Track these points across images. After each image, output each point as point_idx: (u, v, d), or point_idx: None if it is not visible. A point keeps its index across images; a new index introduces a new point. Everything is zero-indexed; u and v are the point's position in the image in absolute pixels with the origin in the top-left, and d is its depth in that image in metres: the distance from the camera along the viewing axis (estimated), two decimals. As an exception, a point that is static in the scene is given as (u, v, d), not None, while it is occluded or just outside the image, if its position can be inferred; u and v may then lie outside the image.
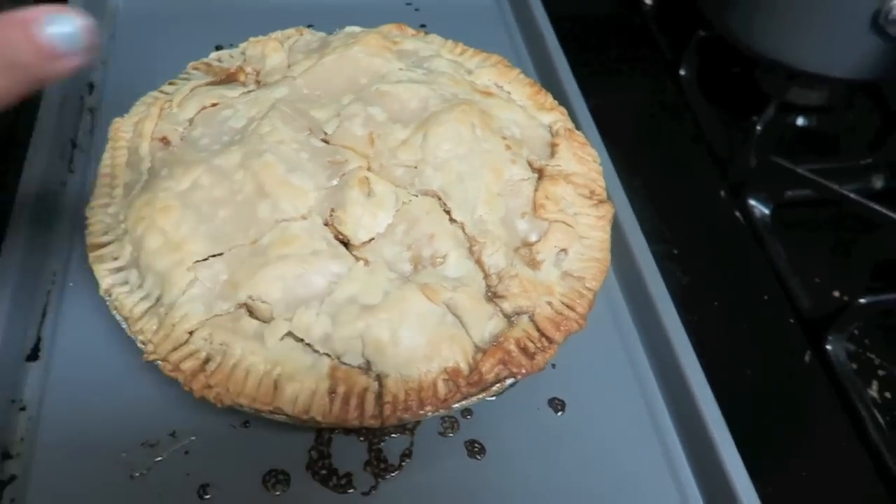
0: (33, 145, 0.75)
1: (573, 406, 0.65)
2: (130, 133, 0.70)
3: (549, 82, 0.86)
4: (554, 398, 0.66)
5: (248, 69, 0.77)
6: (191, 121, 0.70)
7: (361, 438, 0.62)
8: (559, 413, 0.65)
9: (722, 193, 0.93)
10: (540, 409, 0.65)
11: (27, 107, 0.82)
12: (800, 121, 1.04)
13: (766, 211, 0.90)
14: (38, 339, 0.66)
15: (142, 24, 0.95)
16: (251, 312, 0.59)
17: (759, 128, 0.90)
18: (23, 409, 0.61)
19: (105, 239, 0.63)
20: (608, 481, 0.62)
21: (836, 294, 0.84)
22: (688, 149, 0.99)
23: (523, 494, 0.60)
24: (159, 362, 0.57)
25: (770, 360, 0.78)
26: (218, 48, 0.89)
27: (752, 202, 0.90)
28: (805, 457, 0.71)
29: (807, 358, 0.79)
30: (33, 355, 0.65)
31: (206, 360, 0.56)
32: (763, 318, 0.81)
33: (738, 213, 0.91)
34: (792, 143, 1.00)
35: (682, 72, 1.05)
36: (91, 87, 0.87)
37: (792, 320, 0.81)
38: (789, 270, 0.85)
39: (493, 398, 0.61)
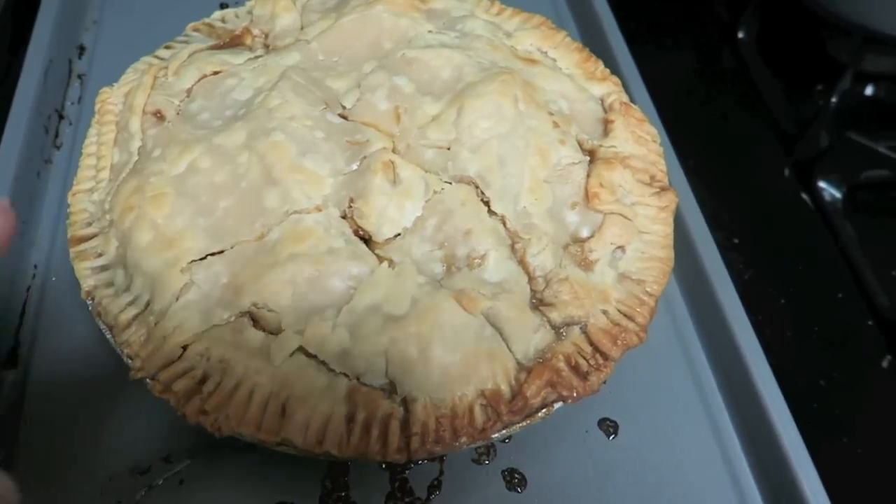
0: (13, 116, 0.66)
1: (627, 428, 0.57)
2: (120, 105, 0.61)
3: (594, 46, 0.75)
4: (605, 419, 0.57)
5: (256, 31, 0.67)
6: (188, 91, 0.61)
7: (383, 466, 0.54)
8: (611, 437, 0.56)
9: (786, 172, 0.83)
10: (589, 431, 0.56)
11: (5, 72, 0.73)
12: (869, 90, 0.92)
13: (838, 194, 0.79)
14: (16, 344, 0.58)
15: (138, -21, 0.85)
16: (255, 322, 0.50)
17: (833, 100, 0.79)
18: (-3, 425, 0.54)
19: (89, 231, 0.55)
20: (672, 519, 0.53)
21: (920, 291, 0.74)
22: (746, 123, 0.89)
23: (572, 534, 0.52)
24: (148, 381, 0.48)
25: (845, 368, 0.68)
26: (222, 6, 0.79)
27: (822, 184, 0.79)
28: (891, 477, 0.62)
29: (885, 363, 0.69)
30: (10, 362, 0.57)
31: (203, 380, 0.48)
32: (836, 319, 0.72)
33: (805, 196, 0.80)
34: (864, 117, 0.89)
35: (740, 35, 0.94)
36: (81, 49, 0.78)
37: (870, 322, 0.71)
38: (864, 262, 0.75)
39: (519, 430, 0.52)
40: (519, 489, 0.53)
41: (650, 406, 0.58)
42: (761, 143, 0.87)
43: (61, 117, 0.72)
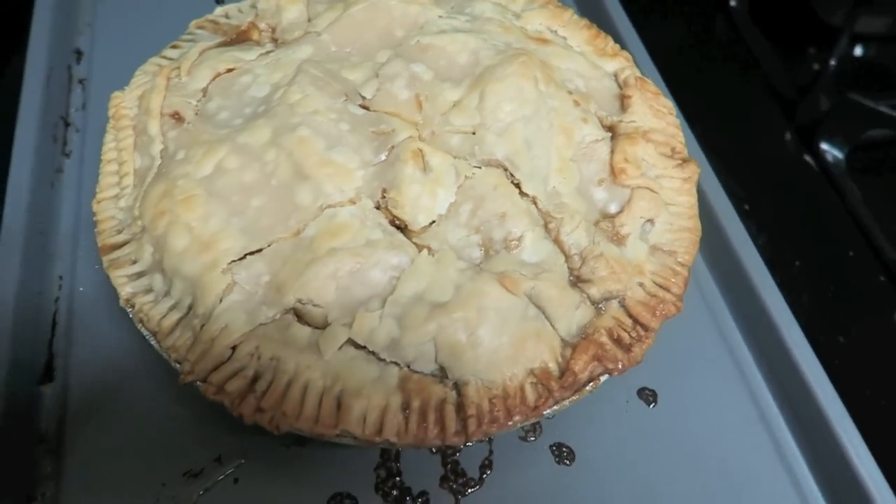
0: (20, 126, 0.65)
1: (666, 396, 0.58)
2: (134, 109, 0.60)
3: (596, 22, 0.76)
4: (643, 389, 0.58)
5: (262, 25, 0.66)
6: (204, 91, 0.60)
7: (433, 451, 0.54)
8: (651, 405, 0.58)
9: (788, 137, 0.84)
10: (629, 401, 0.58)
11: (6, 82, 0.71)
12: (858, 51, 0.94)
13: (841, 155, 0.81)
14: (51, 357, 0.57)
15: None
16: (300, 318, 0.50)
17: (832, 62, 0.81)
18: (41, 441, 0.53)
19: (119, 238, 0.54)
20: (715, 477, 0.55)
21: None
22: (745, 90, 0.90)
23: (625, 499, 0.53)
24: (199, 384, 0.48)
25: (862, 323, 0.70)
26: (219, 2, 0.78)
27: (825, 146, 0.81)
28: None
29: (896, 317, 0.72)
30: (47, 376, 0.56)
31: (255, 379, 0.48)
32: (850, 277, 0.73)
33: (808, 159, 0.82)
34: (860, 78, 0.90)
35: (732, 3, 0.95)
36: (79, 54, 0.76)
37: (881, 277, 0.73)
38: (872, 221, 0.76)
39: (569, 404, 0.53)
40: (567, 462, 0.54)
41: (686, 373, 0.59)
42: (761, 108, 0.88)
43: (67, 124, 0.71)
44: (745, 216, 0.76)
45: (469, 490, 0.53)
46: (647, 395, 0.58)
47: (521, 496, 0.53)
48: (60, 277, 0.61)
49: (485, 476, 0.53)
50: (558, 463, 0.54)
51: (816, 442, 0.55)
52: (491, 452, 0.54)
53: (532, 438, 0.55)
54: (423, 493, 0.52)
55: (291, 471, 0.53)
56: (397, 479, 0.53)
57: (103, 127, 0.61)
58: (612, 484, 0.54)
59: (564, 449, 0.55)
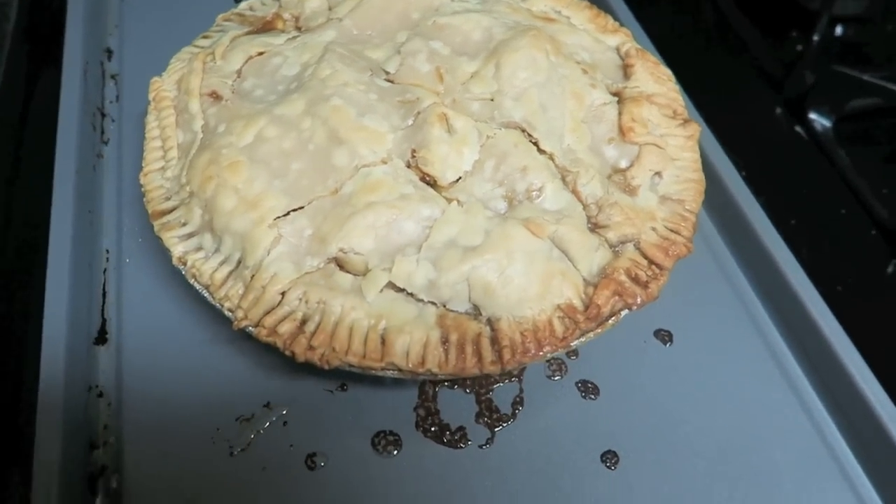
0: (62, 117, 0.69)
1: (681, 336, 0.62)
2: (173, 92, 0.65)
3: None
4: (659, 330, 0.62)
5: (286, 15, 0.71)
6: (238, 72, 0.64)
7: (468, 391, 0.58)
8: (668, 344, 0.62)
9: (778, 111, 0.90)
10: (647, 342, 0.62)
11: (48, 80, 0.76)
12: (838, 30, 0.99)
13: (828, 124, 0.86)
14: (104, 321, 0.61)
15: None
16: (342, 266, 0.54)
17: (816, 37, 0.86)
18: (100, 395, 0.57)
19: (168, 205, 0.58)
20: (731, 409, 0.59)
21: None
22: (734, 70, 0.95)
23: (645, 428, 0.57)
24: (252, 329, 0.52)
25: (857, 274, 0.75)
26: (237, 1, 0.83)
27: (813, 115, 0.86)
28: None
29: (890, 268, 0.76)
30: (101, 339, 0.60)
31: (304, 321, 0.52)
32: (843, 233, 0.78)
33: (799, 129, 0.87)
34: (840, 56, 0.96)
35: (718, -9, 1.00)
36: (109, 52, 0.81)
37: (873, 231, 0.78)
38: (861, 182, 0.81)
39: (594, 338, 0.57)
40: (593, 396, 0.58)
41: (698, 315, 0.63)
42: (751, 87, 0.93)
43: (103, 115, 0.75)
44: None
45: (503, 424, 0.57)
46: (664, 336, 0.62)
47: (551, 427, 0.56)
48: (107, 251, 0.65)
49: (517, 411, 0.57)
50: (584, 398, 0.58)
51: (824, 370, 0.59)
52: (521, 391, 0.58)
53: (558, 377, 0.59)
54: (460, 429, 0.56)
55: (336, 413, 0.56)
56: (436, 417, 0.57)
57: (137, 116, 0.66)
58: (634, 414, 0.58)
59: (589, 385, 0.59)
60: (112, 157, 0.72)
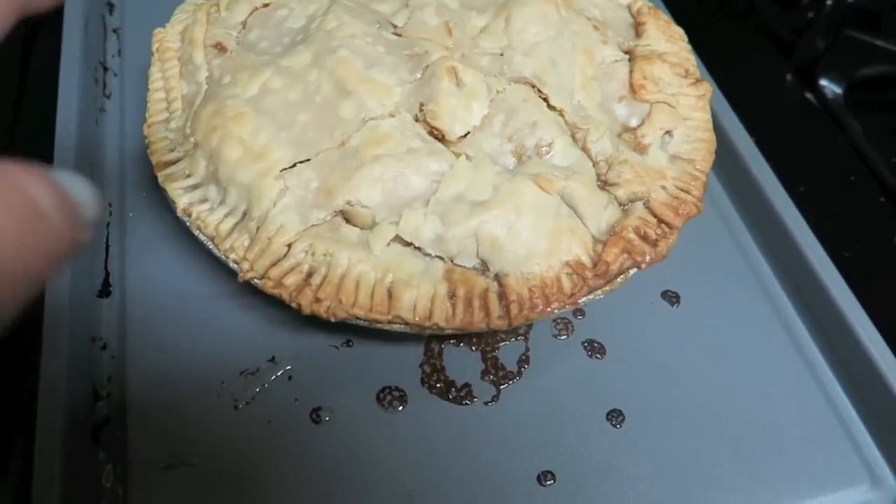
0: (64, 71, 0.68)
1: (688, 297, 0.62)
2: (177, 43, 0.63)
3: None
4: (667, 291, 0.62)
5: (291, -31, 0.70)
6: (243, 24, 0.63)
7: (473, 349, 0.58)
8: (675, 306, 0.61)
9: (789, 78, 0.88)
10: (654, 303, 0.62)
11: (49, 33, 0.74)
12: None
13: (839, 90, 0.85)
14: (107, 274, 0.60)
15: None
16: (348, 220, 0.54)
17: (828, 2, 0.85)
18: (104, 347, 0.56)
19: (173, 156, 0.57)
20: (736, 369, 0.59)
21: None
22: (744, 37, 0.94)
23: (651, 388, 0.57)
24: (257, 281, 0.52)
25: (864, 240, 0.74)
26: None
27: (824, 82, 0.85)
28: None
29: (896, 239, 0.76)
30: (104, 291, 0.59)
31: (310, 274, 0.51)
32: (851, 199, 0.78)
33: (809, 96, 0.86)
34: (853, 22, 0.94)
35: (728, -45, 0.99)
36: (110, 6, 0.80)
37: (882, 199, 0.77)
38: (871, 149, 0.81)
39: (602, 296, 0.57)
40: (599, 356, 0.58)
41: (705, 278, 0.63)
42: (762, 54, 0.92)
43: (105, 69, 0.74)
44: (750, 148, 0.80)
45: (509, 382, 0.56)
46: (671, 297, 0.62)
47: (556, 386, 0.56)
48: (110, 205, 0.64)
49: (523, 370, 0.57)
50: (590, 357, 0.58)
51: (831, 332, 0.59)
52: (528, 349, 0.58)
53: (564, 336, 0.59)
54: (466, 385, 0.56)
55: (342, 368, 0.56)
56: (441, 374, 0.56)
57: (139, 71, 0.65)
58: (640, 374, 0.57)
59: (596, 344, 0.59)
60: (114, 112, 0.71)
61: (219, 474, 0.51)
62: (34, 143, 0.65)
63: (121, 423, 0.53)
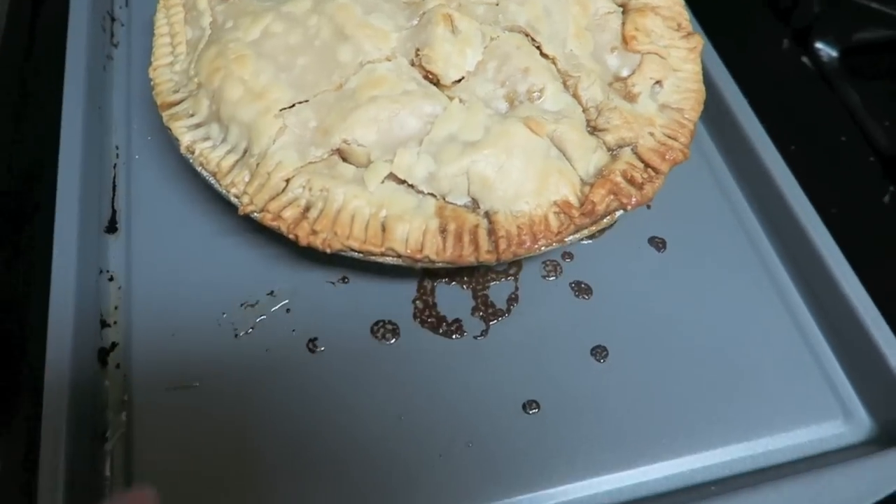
0: (73, 20, 0.70)
1: (674, 243, 0.64)
2: (182, -10, 0.65)
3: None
4: (654, 237, 0.64)
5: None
6: (247, -28, 0.65)
7: (465, 287, 0.60)
8: (661, 251, 0.63)
9: (785, 43, 0.90)
10: (641, 248, 0.63)
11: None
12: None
13: (835, 54, 0.86)
14: (114, 212, 0.63)
15: None
16: (344, 158, 0.56)
17: (825, -34, 0.86)
18: (111, 279, 0.59)
19: (177, 97, 0.59)
20: (718, 311, 0.61)
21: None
22: (742, 3, 0.95)
23: (636, 327, 0.59)
24: (257, 214, 0.54)
25: (853, 198, 0.76)
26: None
27: (819, 45, 0.86)
28: None
29: (886, 198, 0.77)
30: (111, 227, 0.62)
31: (307, 208, 0.54)
32: (841, 158, 0.79)
33: (805, 59, 0.87)
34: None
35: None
36: (118, -40, 0.81)
37: (871, 158, 0.79)
38: (863, 111, 0.82)
39: (590, 241, 0.59)
40: (586, 296, 0.60)
41: (691, 223, 0.65)
42: (759, 20, 0.93)
43: (113, 19, 0.76)
44: (744, 107, 0.82)
45: (498, 319, 0.58)
46: (658, 243, 0.64)
47: (544, 323, 0.58)
48: (117, 147, 0.66)
49: (511, 307, 0.59)
50: (577, 297, 0.60)
51: (811, 278, 0.61)
52: (517, 288, 0.60)
53: (553, 278, 0.61)
54: (456, 321, 0.58)
55: (338, 303, 0.58)
56: (433, 310, 0.59)
57: (145, 21, 0.66)
58: (626, 315, 0.60)
59: (583, 285, 0.61)
60: (122, 59, 0.73)
61: (219, 396, 0.53)
62: (45, 92, 0.67)
63: (127, 348, 0.55)
